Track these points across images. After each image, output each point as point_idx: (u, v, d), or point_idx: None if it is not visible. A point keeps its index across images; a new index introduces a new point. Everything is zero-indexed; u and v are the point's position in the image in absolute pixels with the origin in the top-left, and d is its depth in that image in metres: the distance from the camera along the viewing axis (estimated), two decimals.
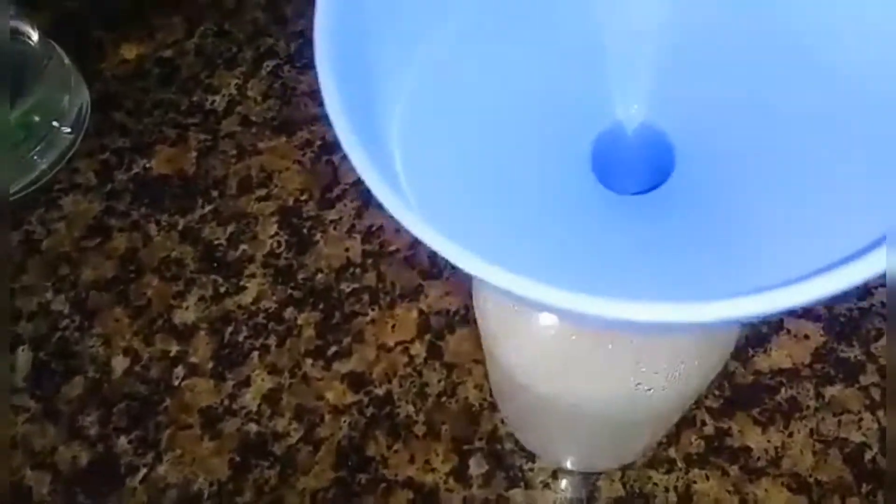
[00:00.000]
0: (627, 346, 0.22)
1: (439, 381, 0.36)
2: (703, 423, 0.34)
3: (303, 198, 0.42)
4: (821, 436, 0.34)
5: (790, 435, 0.34)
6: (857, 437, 0.33)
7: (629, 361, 0.22)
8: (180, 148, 0.44)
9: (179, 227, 0.42)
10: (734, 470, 0.33)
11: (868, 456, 0.33)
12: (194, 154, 0.44)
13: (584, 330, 0.22)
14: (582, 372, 0.23)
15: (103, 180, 0.43)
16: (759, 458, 0.33)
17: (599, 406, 0.23)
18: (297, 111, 0.44)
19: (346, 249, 0.40)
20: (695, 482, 0.33)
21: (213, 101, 0.45)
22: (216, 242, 0.41)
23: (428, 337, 0.37)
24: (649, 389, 0.22)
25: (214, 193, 0.42)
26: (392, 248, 0.40)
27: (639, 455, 0.33)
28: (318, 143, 0.43)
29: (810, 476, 0.33)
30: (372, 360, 0.37)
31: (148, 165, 0.44)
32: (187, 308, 0.39)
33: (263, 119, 0.44)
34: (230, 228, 0.41)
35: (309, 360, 0.37)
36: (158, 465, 0.36)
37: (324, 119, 0.44)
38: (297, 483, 0.35)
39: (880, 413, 0.34)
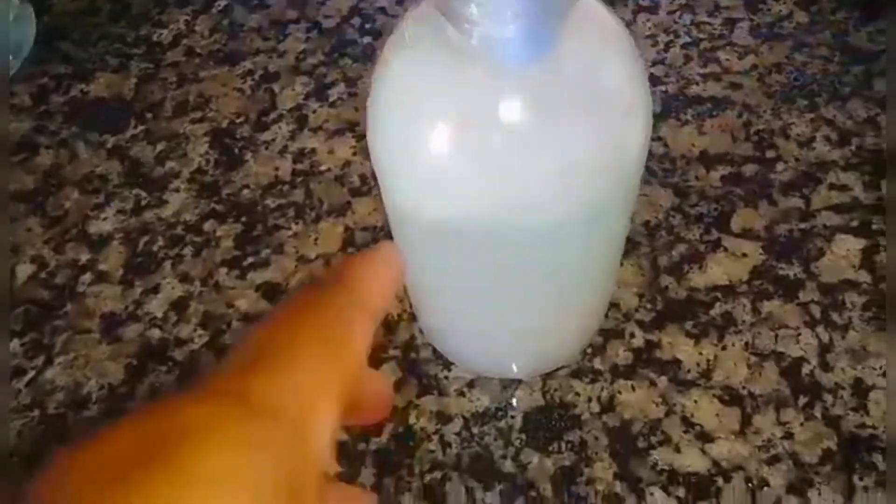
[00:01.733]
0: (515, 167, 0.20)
1: None
2: (632, 336, 0.32)
3: (238, 121, 0.41)
4: (756, 349, 0.31)
5: (724, 348, 0.31)
6: (795, 352, 0.31)
7: (518, 182, 0.21)
8: (121, 75, 0.43)
9: (108, 146, 0.40)
10: (662, 381, 0.31)
11: (806, 369, 0.31)
12: (134, 80, 0.43)
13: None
14: (471, 189, 0.21)
15: (38, 102, 0.43)
16: (689, 371, 0.31)
17: (490, 221, 0.21)
18: (243, 45, 0.44)
19: (276, 168, 0.39)
20: (619, 392, 0.31)
21: (161, 35, 0.45)
22: (143, 160, 0.40)
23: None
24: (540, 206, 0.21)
25: (149, 115, 0.42)
26: (323, 167, 0.39)
27: (560, 355, 0.31)
28: (260, 72, 0.43)
29: (743, 388, 0.30)
30: (290, 272, 0.35)
31: (86, 90, 0.43)
32: (105, 219, 0.38)
33: (209, 51, 0.44)
34: (160, 147, 0.40)
35: (223, 270, 0.36)
36: (49, 367, 0.33)
37: (269, 52, 0.44)
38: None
39: (819, 329, 0.32)
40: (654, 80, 0.40)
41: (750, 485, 0.28)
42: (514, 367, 0.31)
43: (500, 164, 0.20)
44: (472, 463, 0.30)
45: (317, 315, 0.15)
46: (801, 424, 0.29)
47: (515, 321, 0.28)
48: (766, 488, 0.28)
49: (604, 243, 0.25)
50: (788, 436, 0.29)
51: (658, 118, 0.39)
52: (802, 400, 0.30)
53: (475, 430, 0.30)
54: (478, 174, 0.20)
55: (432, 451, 0.30)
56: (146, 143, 0.40)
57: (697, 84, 0.40)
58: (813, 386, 0.30)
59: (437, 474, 0.29)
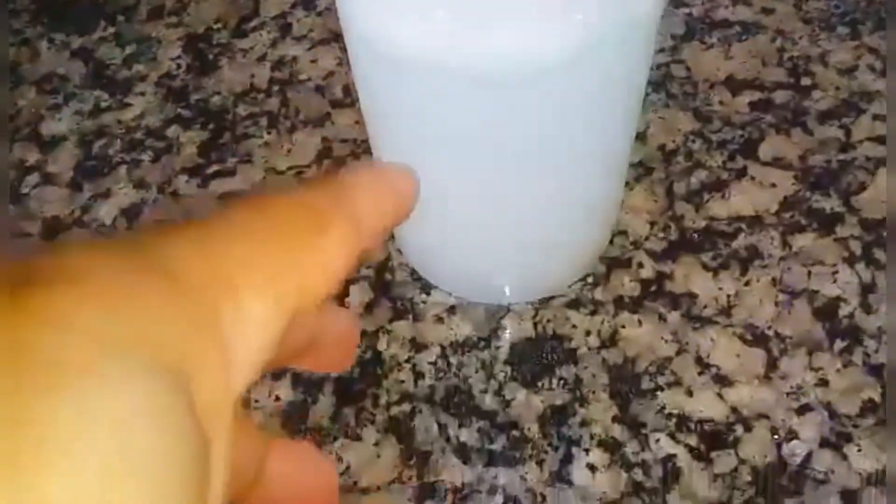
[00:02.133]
0: None
1: None
2: (640, 266, 0.28)
3: (216, 26, 0.37)
4: (785, 286, 0.27)
5: (747, 284, 0.27)
6: (831, 291, 0.27)
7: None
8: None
9: (73, 46, 0.37)
10: (674, 316, 0.26)
11: (844, 311, 0.26)
12: None
13: None
14: (443, 17, 0.17)
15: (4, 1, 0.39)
16: (706, 306, 0.27)
17: (472, 58, 0.17)
18: None
19: (252, 76, 0.35)
20: (623, 327, 0.26)
21: None
22: (109, 62, 0.36)
23: (327, 163, 0.32)
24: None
25: (121, 18, 0.38)
26: (303, 76, 0.35)
27: (559, 276, 0.26)
28: None
29: (769, 328, 0.26)
30: (256, 182, 0.31)
31: None
32: (59, 120, 0.34)
33: None
34: (129, 50, 0.36)
35: (184, 178, 0.32)
36: None
37: None
38: None
39: (860, 266, 0.27)
40: (676, 2, 0.36)
41: (776, 436, 0.24)
42: (507, 290, 0.27)
43: None
44: (447, 396, 0.25)
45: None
46: (838, 371, 0.25)
47: (507, 228, 0.24)
48: (795, 441, 0.24)
49: (608, 113, 0.21)
50: (822, 383, 0.25)
51: (680, 40, 0.34)
52: (840, 344, 0.26)
53: (453, 360, 0.26)
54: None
55: (402, 382, 0.26)
56: (114, 46, 0.37)
57: (725, 7, 0.36)
58: (852, 329, 0.26)
59: (406, 406, 0.25)
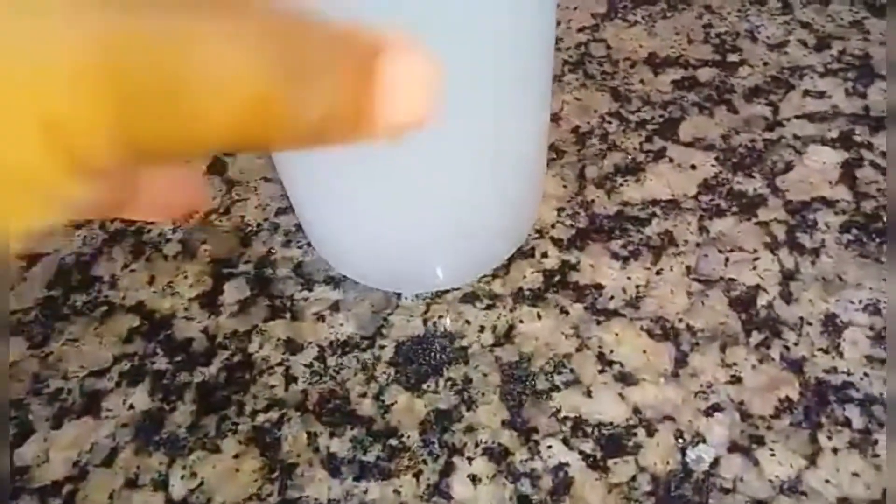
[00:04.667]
0: None
1: (213, 197, 0.28)
2: (544, 255, 0.25)
3: None
4: (700, 275, 0.24)
5: (658, 273, 0.25)
6: (749, 279, 0.24)
7: None
8: None
9: None
10: (577, 309, 0.24)
11: (763, 300, 0.24)
12: None
13: None
14: None
15: None
16: (612, 298, 0.24)
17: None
18: None
19: None
20: (521, 321, 0.24)
21: None
22: None
23: None
24: None
25: None
26: None
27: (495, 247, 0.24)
28: None
29: (680, 321, 0.23)
30: None
31: None
32: None
33: None
34: None
35: None
36: None
37: None
38: None
39: (783, 252, 0.25)
40: None
41: (680, 440, 0.21)
42: (439, 272, 0.24)
43: None
44: (320, 401, 0.23)
45: None
46: (753, 367, 0.22)
47: (420, 213, 0.21)
48: (700, 445, 0.21)
49: (512, 81, 0.18)
50: (735, 380, 0.22)
51: (602, 18, 0.32)
52: (756, 337, 0.23)
53: (331, 361, 0.24)
54: None
55: (273, 387, 0.23)
56: None
57: None
58: (770, 320, 0.23)
59: (273, 414, 0.23)
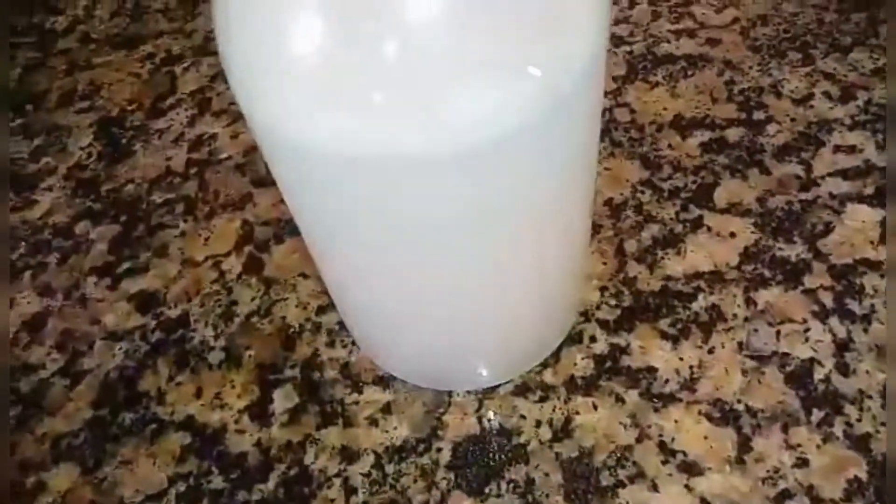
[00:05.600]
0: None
1: (252, 298, 0.28)
2: (593, 340, 0.25)
3: (130, 108, 0.35)
4: (753, 351, 0.24)
5: (711, 351, 0.24)
6: (803, 352, 0.24)
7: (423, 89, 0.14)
8: (1, 66, 0.38)
9: None
10: (632, 396, 0.24)
11: (819, 374, 0.24)
12: (18, 71, 0.37)
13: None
14: (346, 105, 0.14)
15: None
16: (667, 381, 0.24)
17: (388, 145, 0.14)
18: (145, 28, 0.39)
19: (168, 159, 0.33)
20: (577, 413, 0.24)
21: (55, 22, 0.40)
22: (17, 157, 0.34)
23: (248, 249, 0.29)
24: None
25: (29, 108, 0.36)
26: (223, 155, 0.32)
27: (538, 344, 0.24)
28: (162, 55, 0.37)
29: (739, 402, 0.23)
30: (171, 278, 0.29)
31: None
32: None
33: (106, 36, 0.38)
34: (37, 141, 0.34)
35: (92, 280, 0.29)
36: None
37: (174, 33, 0.38)
38: (39, 427, 0.25)
39: (833, 321, 0.25)
40: (616, 41, 0.34)
41: None
42: (484, 371, 0.24)
43: (397, 61, 0.14)
44: None
45: None
46: (818, 447, 0.22)
47: (462, 314, 0.21)
48: None
49: (570, 172, 0.18)
50: (802, 463, 0.22)
51: (622, 82, 0.32)
52: (817, 415, 0.23)
53: (389, 468, 0.23)
54: (363, 74, 0.14)
55: (332, 500, 0.23)
56: (22, 139, 0.34)
57: (668, 42, 0.33)
58: (829, 395, 0.23)
59: None
